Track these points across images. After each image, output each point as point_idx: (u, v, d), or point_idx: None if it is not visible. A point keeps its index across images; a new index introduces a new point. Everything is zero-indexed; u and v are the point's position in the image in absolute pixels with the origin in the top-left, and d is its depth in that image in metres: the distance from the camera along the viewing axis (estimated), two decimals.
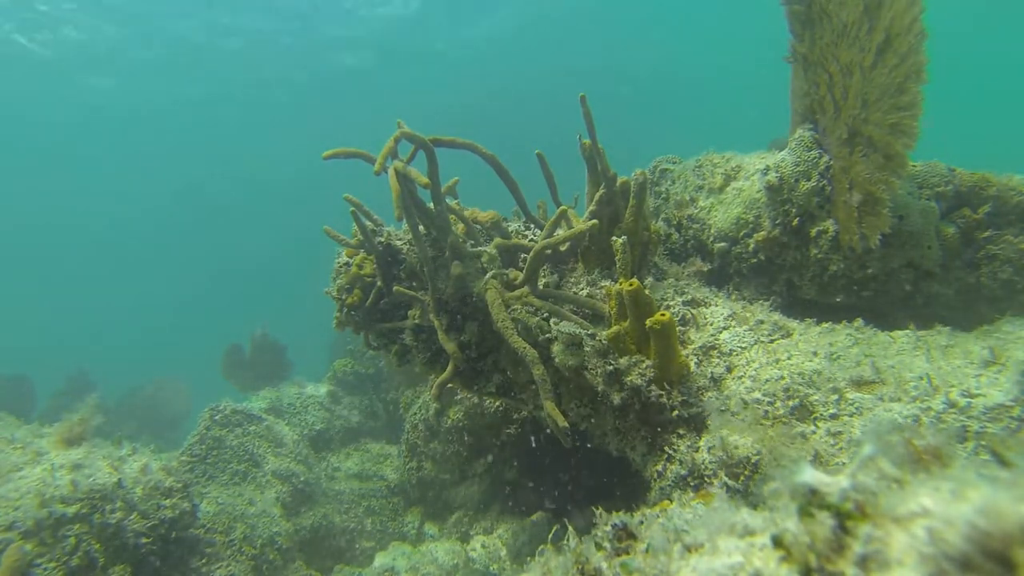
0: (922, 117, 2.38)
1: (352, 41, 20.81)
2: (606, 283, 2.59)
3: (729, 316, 2.44)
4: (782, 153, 2.93)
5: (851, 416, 1.85)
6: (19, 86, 19.86)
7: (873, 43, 2.47)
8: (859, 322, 2.30)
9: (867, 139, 2.53)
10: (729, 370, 2.22)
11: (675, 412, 2.14)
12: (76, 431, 3.53)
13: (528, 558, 1.05)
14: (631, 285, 2.02)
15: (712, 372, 2.23)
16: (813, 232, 2.80)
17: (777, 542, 0.72)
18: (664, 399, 2.14)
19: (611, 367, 2.18)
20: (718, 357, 2.28)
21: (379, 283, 2.88)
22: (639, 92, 26.18)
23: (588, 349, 2.22)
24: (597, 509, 1.08)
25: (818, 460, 1.78)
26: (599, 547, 0.99)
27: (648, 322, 2.00)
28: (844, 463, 1.74)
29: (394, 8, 19.64)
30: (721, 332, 2.37)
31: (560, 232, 2.51)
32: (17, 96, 20.45)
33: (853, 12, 2.55)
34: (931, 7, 2.35)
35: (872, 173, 2.50)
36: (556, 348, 2.28)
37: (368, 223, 2.85)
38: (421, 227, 2.60)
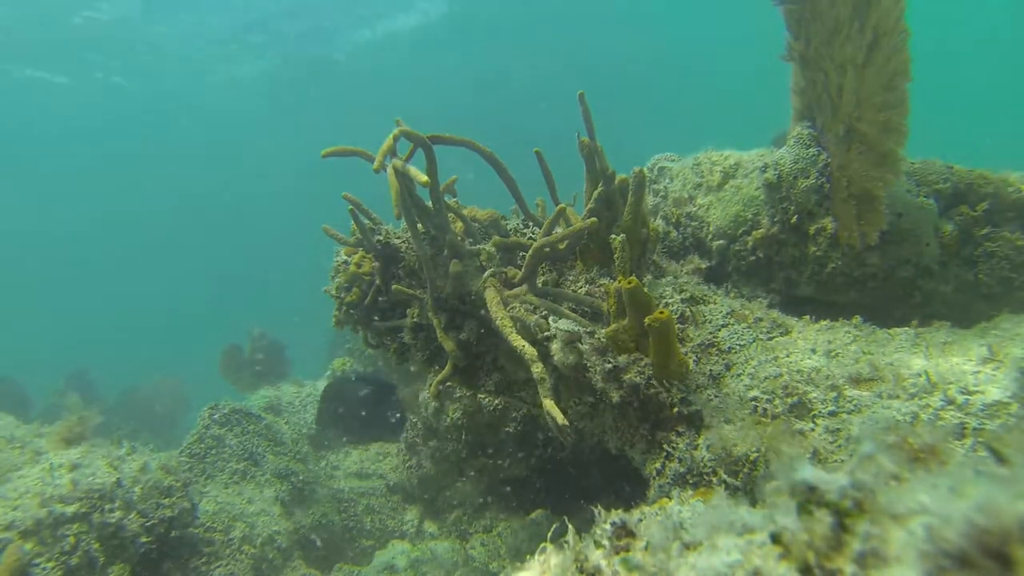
0: (909, 115, 2.40)
1: (350, 37, 20.77)
2: (605, 281, 2.59)
3: (728, 314, 2.44)
4: (780, 151, 2.93)
5: (849, 414, 1.85)
6: (21, 85, 19.81)
7: (864, 41, 2.48)
8: (858, 319, 2.30)
9: (862, 136, 2.53)
10: (728, 368, 2.22)
11: (674, 410, 2.14)
12: (75, 430, 3.53)
13: (527, 556, 1.05)
14: (630, 283, 2.02)
15: (711, 370, 2.23)
16: (812, 230, 2.80)
17: (776, 540, 0.72)
18: (663, 397, 2.14)
19: (610, 365, 2.18)
20: (717, 355, 2.28)
21: (378, 281, 2.87)
22: (639, 90, 26.15)
23: (587, 347, 2.22)
24: (596, 507, 1.08)
25: (817, 458, 1.78)
26: (598, 545, 0.99)
27: (647, 320, 2.00)
28: (843, 461, 1.74)
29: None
30: (720, 330, 2.37)
31: (559, 230, 2.51)
32: (19, 96, 20.39)
33: (844, 11, 2.55)
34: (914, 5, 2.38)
35: (868, 170, 2.51)
36: (555, 346, 2.28)
37: (367, 221, 2.85)
38: (420, 225, 2.60)
